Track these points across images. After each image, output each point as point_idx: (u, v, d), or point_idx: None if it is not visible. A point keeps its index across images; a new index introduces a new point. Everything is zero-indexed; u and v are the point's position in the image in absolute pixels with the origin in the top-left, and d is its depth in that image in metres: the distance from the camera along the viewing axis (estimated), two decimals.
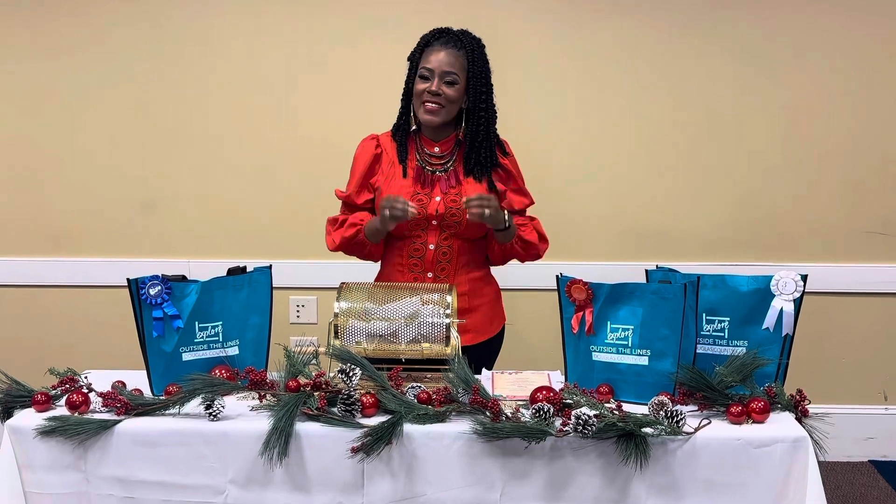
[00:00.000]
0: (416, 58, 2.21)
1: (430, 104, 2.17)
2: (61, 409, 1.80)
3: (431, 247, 2.23)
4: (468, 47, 2.19)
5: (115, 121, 3.22)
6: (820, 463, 1.73)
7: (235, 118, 3.21)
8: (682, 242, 3.23)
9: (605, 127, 3.20)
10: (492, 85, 2.25)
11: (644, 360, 1.86)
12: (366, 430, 1.70)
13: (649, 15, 3.13)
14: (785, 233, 3.25)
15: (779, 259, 3.20)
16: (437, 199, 2.21)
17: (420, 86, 2.18)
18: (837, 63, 3.14)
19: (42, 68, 3.20)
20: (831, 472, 3.22)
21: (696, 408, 1.81)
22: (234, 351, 1.99)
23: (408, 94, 2.24)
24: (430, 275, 2.24)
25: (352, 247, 2.27)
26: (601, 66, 3.17)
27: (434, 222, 2.22)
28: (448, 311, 1.92)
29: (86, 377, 1.89)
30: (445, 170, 2.25)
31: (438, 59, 2.16)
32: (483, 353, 2.25)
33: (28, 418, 1.77)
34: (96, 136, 3.23)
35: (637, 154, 3.21)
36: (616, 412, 1.72)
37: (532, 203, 2.35)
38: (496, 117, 2.28)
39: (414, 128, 2.29)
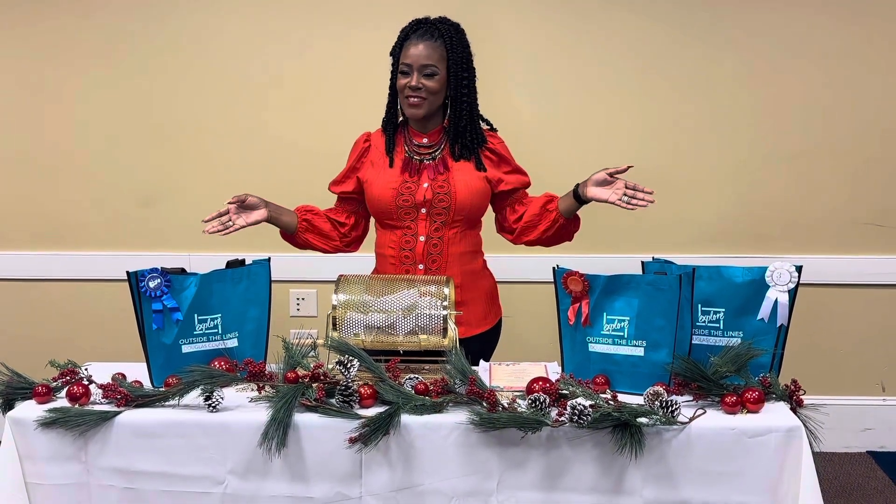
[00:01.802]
0: (396, 52, 2.22)
1: (412, 99, 2.19)
2: (62, 401, 1.81)
3: (422, 238, 2.23)
4: (446, 35, 2.19)
5: (114, 115, 3.23)
6: (818, 453, 1.74)
7: (234, 111, 3.22)
8: (678, 235, 3.24)
9: (602, 120, 3.20)
10: (474, 69, 2.26)
11: (640, 351, 1.87)
12: (364, 420, 1.71)
13: (647, 8, 3.13)
14: (783, 225, 3.25)
15: (777, 251, 3.20)
16: (425, 185, 2.22)
17: (401, 81, 2.20)
18: (833, 56, 3.14)
19: (40, 64, 3.20)
20: (829, 463, 3.24)
21: (691, 398, 1.82)
22: (233, 343, 2.00)
23: (393, 90, 2.27)
24: (420, 267, 2.24)
25: (286, 239, 2.39)
26: (598, 58, 3.17)
27: (423, 210, 2.22)
28: (445, 303, 1.93)
29: (86, 369, 1.90)
30: (433, 157, 2.26)
31: (416, 52, 2.16)
32: (478, 347, 2.25)
33: (29, 410, 1.78)
34: (95, 131, 3.24)
35: (633, 147, 3.22)
36: (612, 402, 1.73)
37: (528, 179, 2.34)
38: (477, 101, 2.27)
39: (402, 119, 2.31)
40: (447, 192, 2.21)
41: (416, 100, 2.19)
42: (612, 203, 2.10)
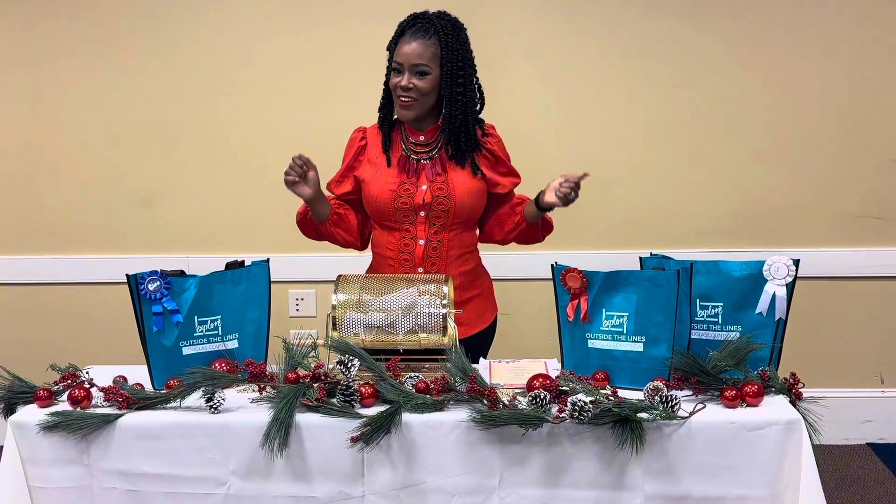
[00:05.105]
0: (391, 48, 2.18)
1: (403, 99, 2.16)
2: (63, 405, 1.81)
3: (421, 242, 2.22)
4: (441, 32, 2.13)
5: (112, 117, 3.23)
6: (818, 446, 1.74)
7: (231, 113, 3.22)
8: (676, 230, 3.25)
9: (599, 116, 3.21)
10: (474, 67, 2.21)
11: (639, 347, 1.88)
12: (365, 419, 1.72)
13: (645, 3, 3.13)
14: (780, 219, 3.26)
15: (775, 245, 3.20)
16: (424, 187, 2.20)
17: (394, 80, 2.16)
18: (828, 49, 3.15)
19: (38, 66, 3.20)
20: (829, 455, 3.24)
21: (690, 392, 1.82)
22: (233, 344, 2.00)
23: (388, 86, 2.22)
24: (420, 270, 2.23)
25: (306, 225, 2.30)
26: (596, 54, 3.17)
27: (422, 213, 2.21)
28: (445, 302, 1.94)
29: (87, 373, 1.91)
30: (430, 157, 2.23)
31: (408, 50, 2.12)
32: (476, 345, 2.25)
33: (31, 414, 1.79)
34: (94, 134, 3.25)
35: (631, 143, 3.22)
36: (612, 398, 1.74)
37: (520, 181, 2.33)
38: (477, 100, 2.24)
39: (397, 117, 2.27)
40: (446, 194, 2.19)
41: (407, 100, 2.15)
42: (564, 193, 2.09)
